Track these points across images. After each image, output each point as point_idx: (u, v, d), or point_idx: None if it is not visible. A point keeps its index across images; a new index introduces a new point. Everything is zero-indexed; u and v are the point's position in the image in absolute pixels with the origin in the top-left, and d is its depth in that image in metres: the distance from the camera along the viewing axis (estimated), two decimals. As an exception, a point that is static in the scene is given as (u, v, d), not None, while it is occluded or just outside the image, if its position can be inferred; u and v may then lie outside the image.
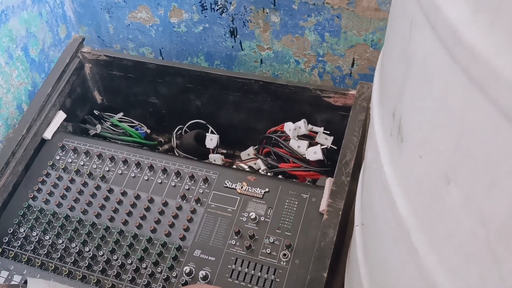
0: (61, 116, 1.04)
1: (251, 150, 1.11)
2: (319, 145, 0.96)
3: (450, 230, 0.34)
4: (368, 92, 0.90)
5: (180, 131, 1.18)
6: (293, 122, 0.99)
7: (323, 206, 0.84)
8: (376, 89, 0.51)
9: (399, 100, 0.39)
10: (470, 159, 0.30)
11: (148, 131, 1.19)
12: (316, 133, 1.00)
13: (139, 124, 1.18)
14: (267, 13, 1.11)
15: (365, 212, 0.58)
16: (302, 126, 0.99)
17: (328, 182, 0.87)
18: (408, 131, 0.38)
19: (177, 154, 1.13)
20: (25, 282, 0.65)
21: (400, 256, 0.43)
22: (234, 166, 1.07)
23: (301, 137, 1.00)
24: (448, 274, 0.35)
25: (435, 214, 0.36)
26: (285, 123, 1.00)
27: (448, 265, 0.35)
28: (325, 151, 0.97)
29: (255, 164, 1.06)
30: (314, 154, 0.96)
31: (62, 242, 0.88)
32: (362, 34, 1.06)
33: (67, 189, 0.94)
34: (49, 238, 0.88)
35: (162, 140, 1.21)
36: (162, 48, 1.31)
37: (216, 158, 1.10)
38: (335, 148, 0.97)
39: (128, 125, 1.15)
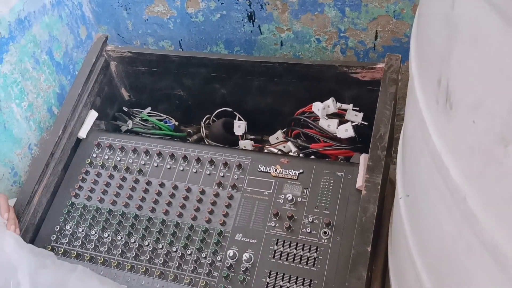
0: (93, 115, 1.06)
1: (279, 134, 1.11)
2: (349, 122, 0.96)
3: (509, 191, 0.34)
4: (397, 64, 0.89)
5: (208, 121, 1.19)
6: (321, 102, 0.99)
7: (359, 183, 0.85)
8: (414, 58, 0.51)
9: (445, 66, 0.39)
10: (530, 118, 0.30)
11: (176, 123, 1.21)
12: (346, 110, 0.99)
13: (167, 117, 1.20)
14: (284, -6, 1.10)
15: (409, 184, 0.58)
16: (330, 104, 0.98)
17: (363, 158, 0.87)
18: (458, 97, 0.38)
19: (207, 144, 1.15)
20: None
21: (455, 223, 0.43)
22: (265, 151, 1.07)
23: (330, 116, 0.99)
24: (510, 236, 0.35)
25: (492, 178, 0.36)
26: (313, 103, 1.00)
27: (510, 227, 0.35)
28: (356, 127, 0.97)
29: (284, 147, 1.06)
30: (345, 131, 0.95)
31: (108, 236, 0.91)
32: (383, 5, 1.04)
33: (107, 184, 0.97)
34: (95, 233, 0.91)
35: (191, 131, 1.23)
36: (181, 39, 1.31)
37: (246, 144, 1.11)
38: (366, 124, 0.96)
39: (156, 119, 1.17)
